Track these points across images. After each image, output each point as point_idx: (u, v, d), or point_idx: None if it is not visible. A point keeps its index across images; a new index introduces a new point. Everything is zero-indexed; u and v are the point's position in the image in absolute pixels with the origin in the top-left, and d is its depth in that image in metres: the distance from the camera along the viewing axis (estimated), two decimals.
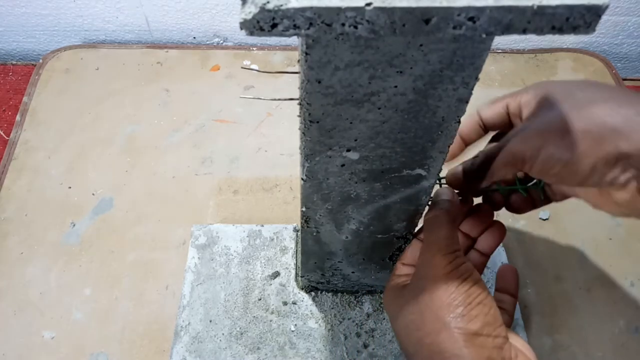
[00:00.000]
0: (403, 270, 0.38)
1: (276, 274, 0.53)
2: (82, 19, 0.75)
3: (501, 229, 0.39)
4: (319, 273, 0.48)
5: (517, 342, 0.33)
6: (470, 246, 0.40)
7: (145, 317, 0.51)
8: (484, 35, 0.21)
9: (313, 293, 0.52)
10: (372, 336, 0.49)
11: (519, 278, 0.40)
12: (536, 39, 0.77)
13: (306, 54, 0.24)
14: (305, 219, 0.39)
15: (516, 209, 0.40)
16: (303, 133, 0.30)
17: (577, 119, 0.30)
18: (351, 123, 0.28)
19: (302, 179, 0.34)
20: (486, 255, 0.39)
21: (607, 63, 0.75)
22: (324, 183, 0.34)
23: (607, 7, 0.20)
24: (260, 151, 0.64)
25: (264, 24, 0.20)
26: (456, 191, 0.39)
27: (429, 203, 0.37)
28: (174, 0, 0.72)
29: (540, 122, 0.32)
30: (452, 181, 0.38)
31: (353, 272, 0.47)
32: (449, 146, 0.31)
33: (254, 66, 0.73)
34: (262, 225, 0.56)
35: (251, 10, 0.20)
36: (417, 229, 0.40)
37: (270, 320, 0.50)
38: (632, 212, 0.32)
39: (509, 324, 0.39)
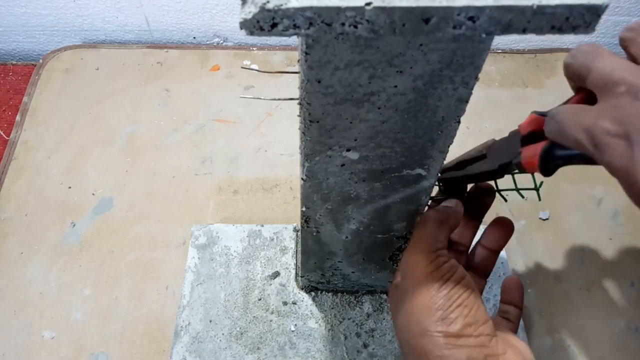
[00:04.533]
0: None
1: (276, 274, 0.53)
2: (82, 19, 0.75)
3: (508, 223, 0.39)
4: (319, 273, 0.48)
5: (512, 339, 0.33)
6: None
7: (145, 317, 0.51)
8: (483, 35, 0.21)
9: (313, 293, 0.52)
10: (372, 336, 0.49)
11: (520, 277, 0.40)
12: (536, 38, 0.77)
13: (306, 53, 0.24)
14: (305, 218, 0.39)
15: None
16: (303, 133, 0.30)
17: None
18: (351, 123, 0.28)
19: (302, 178, 0.34)
20: (494, 252, 0.39)
21: None
22: (324, 183, 0.34)
23: (606, 6, 0.20)
24: (260, 151, 0.64)
25: (264, 23, 0.20)
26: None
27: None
28: (174, 0, 0.72)
29: None
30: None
31: (353, 272, 0.47)
32: (448, 146, 0.31)
33: (254, 66, 0.73)
34: (262, 225, 0.56)
35: (251, 10, 0.20)
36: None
37: (270, 320, 0.50)
38: None
39: (514, 332, 0.39)
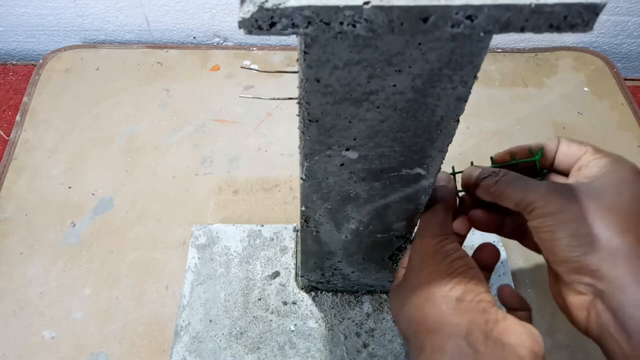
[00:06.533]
0: (403, 272, 0.38)
1: (276, 274, 0.53)
2: (82, 19, 0.75)
3: (492, 249, 0.39)
4: (318, 273, 0.48)
5: (514, 319, 0.33)
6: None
7: (145, 317, 0.51)
8: (482, 34, 0.21)
9: (313, 293, 0.51)
10: (372, 336, 0.49)
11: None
12: (536, 38, 0.77)
13: (305, 53, 0.24)
14: (305, 218, 0.39)
15: (478, 223, 0.39)
16: (302, 132, 0.30)
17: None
18: (350, 122, 0.28)
19: (302, 178, 0.34)
20: (487, 270, 0.39)
21: (607, 62, 0.75)
22: (324, 182, 0.34)
23: (604, 5, 0.20)
24: (260, 151, 0.64)
25: (263, 22, 0.20)
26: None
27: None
28: (174, 0, 0.73)
29: (590, 194, 0.32)
30: (464, 179, 0.38)
31: (353, 272, 0.47)
32: (447, 145, 0.31)
33: (253, 66, 0.73)
34: (262, 225, 0.56)
35: (250, 9, 0.20)
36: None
37: (270, 320, 0.50)
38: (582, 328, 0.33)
39: None
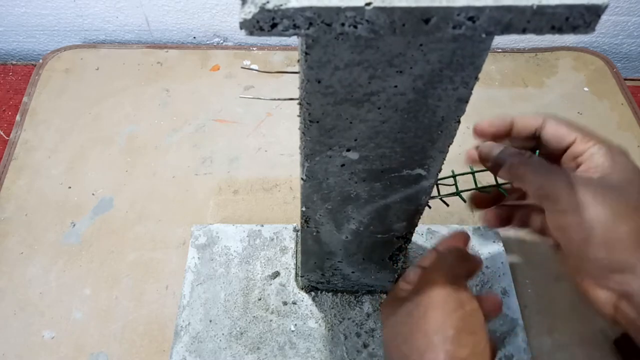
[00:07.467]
0: (405, 286, 0.38)
1: (276, 274, 0.53)
2: (82, 19, 0.75)
3: (463, 236, 0.40)
4: (318, 273, 0.48)
5: None
6: None
7: (145, 317, 0.51)
8: (483, 35, 0.21)
9: (313, 293, 0.51)
10: (372, 336, 0.49)
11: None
12: (537, 38, 0.77)
13: (306, 53, 0.24)
14: (305, 218, 0.39)
15: (477, 203, 0.40)
16: (303, 133, 0.30)
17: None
18: (351, 123, 0.28)
19: (302, 178, 0.34)
20: None
21: (607, 61, 0.75)
22: (324, 183, 0.34)
23: (606, 6, 0.20)
24: (260, 151, 0.64)
25: (264, 23, 0.20)
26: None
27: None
28: (174, 0, 0.72)
29: (599, 186, 0.31)
30: (482, 155, 0.38)
31: (353, 272, 0.47)
32: (448, 146, 0.31)
33: (254, 66, 0.73)
34: (262, 225, 0.56)
35: (251, 10, 0.20)
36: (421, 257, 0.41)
37: (270, 320, 0.50)
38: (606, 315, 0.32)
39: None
